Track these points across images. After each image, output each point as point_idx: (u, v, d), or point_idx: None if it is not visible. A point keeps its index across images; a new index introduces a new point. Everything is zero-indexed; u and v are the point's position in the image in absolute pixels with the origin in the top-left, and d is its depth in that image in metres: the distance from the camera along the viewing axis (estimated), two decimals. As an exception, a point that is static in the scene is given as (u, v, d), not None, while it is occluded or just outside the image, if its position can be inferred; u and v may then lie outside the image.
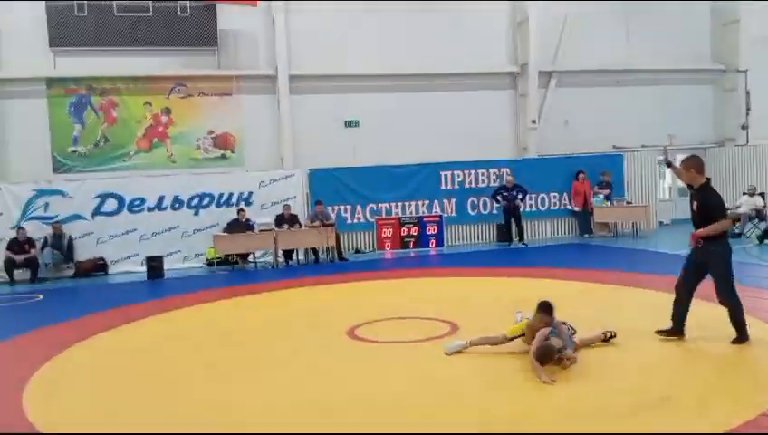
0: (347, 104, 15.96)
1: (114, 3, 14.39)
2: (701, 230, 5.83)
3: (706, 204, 5.88)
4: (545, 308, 5.69)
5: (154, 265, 13.13)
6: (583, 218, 15.85)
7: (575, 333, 5.99)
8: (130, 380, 5.88)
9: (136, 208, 14.03)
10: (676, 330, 6.12)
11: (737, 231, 14.33)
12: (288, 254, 14.13)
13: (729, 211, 14.69)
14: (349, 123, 16.00)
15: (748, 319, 6.01)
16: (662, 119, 17.77)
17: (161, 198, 14.13)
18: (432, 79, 16.48)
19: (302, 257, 14.38)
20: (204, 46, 15.06)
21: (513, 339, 5.92)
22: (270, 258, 14.07)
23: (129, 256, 13.89)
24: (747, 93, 17.97)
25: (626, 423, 4.30)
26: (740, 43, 18.06)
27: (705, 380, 5.13)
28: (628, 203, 16.08)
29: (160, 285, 12.28)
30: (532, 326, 5.69)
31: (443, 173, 15.51)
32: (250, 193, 14.54)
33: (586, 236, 15.71)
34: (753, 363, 5.53)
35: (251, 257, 14.10)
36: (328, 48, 15.71)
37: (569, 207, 16.03)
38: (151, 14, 14.62)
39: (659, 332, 6.17)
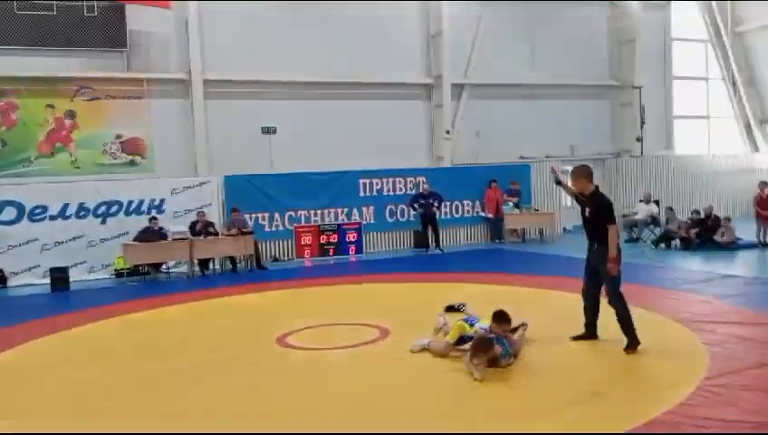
0: (264, 111, 15.76)
1: (15, 1, 13.51)
2: (612, 254, 5.99)
3: (599, 208, 6.14)
4: (498, 318, 5.88)
5: (59, 276, 12.38)
6: (495, 225, 16.48)
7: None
8: (45, 398, 5.54)
9: (37, 217, 13.17)
10: (589, 334, 6.45)
11: (635, 236, 15.41)
12: (204, 263, 13.73)
13: (626, 217, 16.00)
14: (266, 130, 15.78)
15: (657, 317, 6.51)
16: (564, 131, 18.84)
17: (65, 206, 13.34)
18: (349, 87, 16.61)
19: (217, 267, 14.03)
20: (112, 48, 14.42)
21: (457, 344, 6.04)
22: (184, 268, 13.63)
23: (29, 268, 13.01)
24: (642, 108, 19.37)
25: (560, 419, 4.54)
26: (635, 61, 19.46)
27: (620, 378, 5.49)
28: (535, 210, 16.89)
29: (67, 297, 11.59)
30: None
31: (361, 181, 15.64)
32: (162, 200, 14.02)
33: (497, 241, 16.33)
34: (657, 362, 5.87)
35: (164, 267, 13.60)
36: (244, 53, 15.48)
37: (481, 214, 16.60)
38: (55, 12, 13.83)
39: (574, 338, 6.44)
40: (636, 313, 7.13)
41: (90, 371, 6.36)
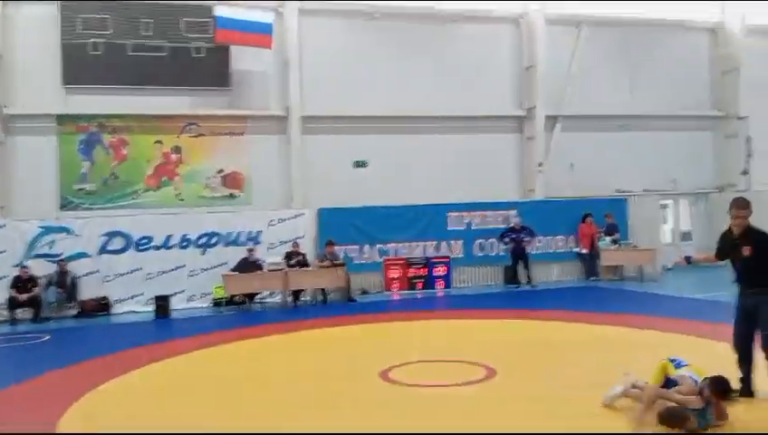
0: (356, 145, 16.05)
1: (128, 42, 14.50)
2: None
3: (763, 245, 5.49)
4: (718, 388, 4.95)
5: (162, 304, 12.92)
6: (589, 261, 15.87)
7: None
8: (165, 424, 5.69)
9: (142, 247, 13.86)
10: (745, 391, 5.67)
11: (745, 275, 14.41)
12: (296, 294, 13.97)
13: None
14: (358, 164, 16.05)
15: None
16: (664, 163, 18.06)
17: (168, 237, 13.99)
18: (440, 121, 16.65)
19: (308, 298, 14.22)
20: (216, 86, 15.15)
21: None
22: (277, 299, 13.90)
23: (133, 296, 13.65)
24: (748, 139, 18.31)
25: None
26: (739, 90, 18.50)
27: None
28: (633, 247, 16.15)
29: (170, 325, 12.05)
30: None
31: (450, 214, 15.54)
32: (258, 232, 14.45)
33: (592, 278, 15.71)
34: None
35: (257, 297, 13.93)
36: (339, 89, 15.87)
37: (575, 249, 16.06)
38: (165, 53, 14.73)
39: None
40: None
41: (196, 398, 6.49)
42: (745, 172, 18.41)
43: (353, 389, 6.53)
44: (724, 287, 13.42)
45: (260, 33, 14.82)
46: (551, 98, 17.23)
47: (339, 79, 15.92)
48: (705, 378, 5.04)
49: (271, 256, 13.98)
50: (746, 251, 5.49)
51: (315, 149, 15.79)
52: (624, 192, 17.45)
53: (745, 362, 5.64)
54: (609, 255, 15.71)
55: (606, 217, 15.98)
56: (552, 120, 17.35)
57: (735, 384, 5.44)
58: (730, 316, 9.02)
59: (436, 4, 16.79)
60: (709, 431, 4.85)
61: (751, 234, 5.56)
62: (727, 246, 5.70)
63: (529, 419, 5.34)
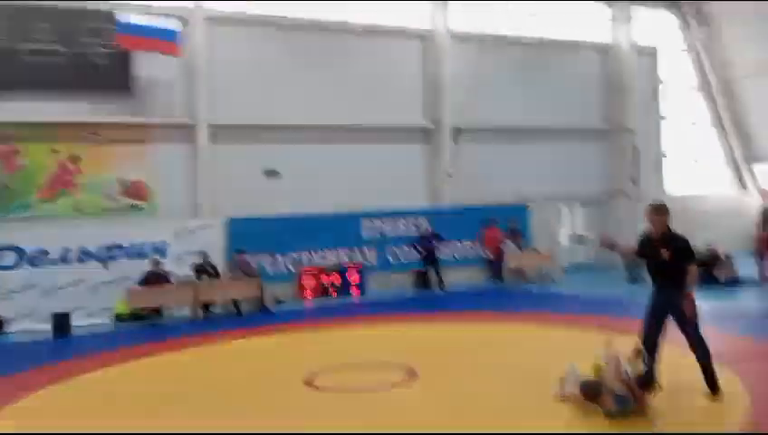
0: (267, 154, 15.84)
1: (23, 47, 13.61)
2: (693, 294, 5.77)
3: (681, 249, 5.78)
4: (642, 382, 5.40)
5: (60, 322, 12.15)
6: (495, 265, 16.54)
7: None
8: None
9: (38, 262, 13.01)
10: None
11: (635, 276, 15.49)
12: (206, 306, 13.57)
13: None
14: (269, 173, 15.86)
15: (679, 352, 6.50)
16: (562, 173, 19.12)
17: (66, 251, 13.21)
18: (352, 131, 16.79)
19: (220, 310, 13.86)
20: (118, 93, 14.49)
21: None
22: (185, 312, 13.46)
23: (29, 314, 12.75)
24: (635, 150, 19.79)
25: None
26: (627, 106, 19.99)
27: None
28: (535, 250, 17.01)
29: (70, 343, 11.35)
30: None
31: (363, 222, 15.70)
32: (164, 244, 13.94)
33: (498, 281, 16.37)
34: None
35: (166, 311, 13.43)
36: (248, 98, 15.62)
37: (482, 254, 16.68)
38: (63, 59, 13.92)
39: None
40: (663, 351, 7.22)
41: (107, 419, 6.19)
42: (633, 181, 19.86)
43: (280, 398, 6.48)
44: (615, 285, 14.51)
45: (165, 40, 14.33)
46: (457, 110, 17.85)
47: (248, 88, 15.69)
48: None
49: (179, 268, 13.52)
50: (665, 254, 5.76)
51: (224, 159, 15.45)
52: (526, 199, 18.33)
53: (651, 354, 5.92)
54: (513, 258, 16.46)
55: (509, 222, 16.74)
56: (458, 131, 17.97)
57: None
58: (625, 311, 9.78)
59: (348, 16, 17.03)
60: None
61: (670, 238, 5.83)
62: (647, 247, 5.98)
63: (455, 417, 5.52)
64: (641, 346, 5.51)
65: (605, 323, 9.38)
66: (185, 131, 15.27)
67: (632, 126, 19.91)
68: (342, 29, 16.92)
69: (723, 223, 19.76)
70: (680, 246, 5.76)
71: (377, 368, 7.48)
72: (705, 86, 22.35)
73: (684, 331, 5.81)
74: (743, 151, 22.37)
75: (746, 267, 13.98)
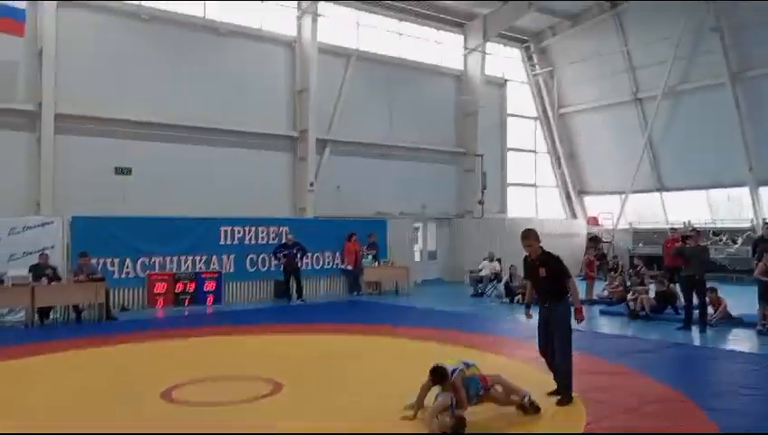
0: (119, 150, 15.01)
1: None
2: (579, 304, 6.41)
3: (556, 266, 6.32)
4: (434, 374, 5.69)
5: None
6: (353, 277, 16.91)
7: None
8: None
9: None
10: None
11: (480, 291, 16.68)
12: (44, 312, 12.45)
13: (472, 273, 17.30)
14: (120, 170, 14.97)
15: (521, 365, 7.18)
16: (417, 190, 20.10)
17: None
18: (213, 134, 16.41)
19: (59, 316, 12.80)
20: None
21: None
22: (20, 316, 12.28)
23: None
24: (483, 174, 21.28)
25: None
26: (477, 131, 21.45)
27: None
28: (391, 264, 17.63)
29: None
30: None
31: (222, 229, 15.30)
32: (-3, 240, 12.63)
33: (355, 293, 16.74)
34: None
35: (-6, 317, 12.16)
36: (101, 89, 14.75)
37: (341, 266, 16.98)
38: None
39: (550, 393, 6.35)
40: (500, 362, 7.90)
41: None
42: (480, 202, 21.33)
43: (135, 412, 6.16)
44: (463, 301, 15.48)
45: (10, 19, 13.11)
46: (322, 122, 18.10)
47: (102, 78, 14.78)
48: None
49: (13, 269, 12.29)
50: (542, 272, 6.38)
51: (70, 151, 14.40)
52: (384, 214, 18.97)
53: (550, 362, 6.52)
54: (371, 271, 16.93)
55: (369, 236, 17.21)
56: (322, 143, 18.23)
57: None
58: (474, 325, 10.50)
59: (212, 14, 16.62)
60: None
61: (545, 258, 6.42)
62: (527, 268, 6.61)
63: (323, 429, 5.63)
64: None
65: (456, 337, 10.04)
66: (27, 119, 14.07)
67: (481, 151, 21.39)
68: (206, 26, 16.50)
69: (555, 246, 21.65)
70: (554, 265, 6.33)
71: (239, 380, 7.38)
72: (543, 119, 24.62)
73: (554, 338, 6.31)
74: (574, 182, 24.88)
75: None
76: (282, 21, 17.93)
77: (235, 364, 8.27)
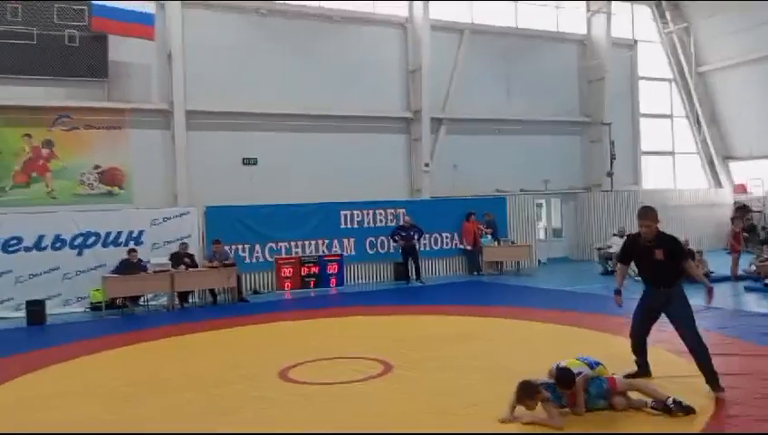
0: (245, 142, 15.81)
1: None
2: (709, 284, 6.03)
3: (674, 249, 5.84)
4: (559, 380, 5.27)
5: (35, 310, 11.99)
6: (473, 257, 16.66)
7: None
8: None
9: (11, 248, 12.79)
10: (642, 372, 6.20)
11: (610, 269, 15.75)
12: (183, 296, 13.49)
13: (601, 250, 16.37)
14: (247, 161, 15.79)
15: (656, 348, 6.64)
16: (538, 165, 19.32)
17: (40, 238, 13.00)
18: (330, 120, 16.78)
19: (197, 299, 13.81)
20: (92, 77, 14.31)
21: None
22: (162, 301, 13.39)
23: (2, 301, 12.58)
24: (612, 143, 20.01)
25: None
26: (604, 99, 20.17)
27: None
28: (512, 243, 17.16)
29: (45, 331, 11.22)
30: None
31: (342, 213, 15.68)
32: (141, 232, 13.79)
33: (475, 273, 16.49)
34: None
35: (141, 300, 13.34)
36: (226, 84, 15.57)
37: (460, 246, 16.79)
38: (36, 42, 13.68)
39: (627, 375, 5.90)
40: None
41: (87, 408, 6.17)
42: (610, 174, 20.10)
43: (253, 390, 6.47)
44: (591, 281, 14.71)
45: (141, 24, 14.19)
46: (436, 101, 17.89)
47: (226, 74, 15.60)
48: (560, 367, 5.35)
49: (155, 257, 13.40)
50: (659, 255, 5.82)
51: (201, 146, 15.37)
52: (503, 192, 18.47)
53: (642, 350, 6.24)
54: (491, 251, 16.58)
55: (485, 215, 16.85)
56: (437, 122, 18.03)
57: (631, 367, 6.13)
58: (602, 306, 9.90)
59: (325, 3, 16.95)
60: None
61: (663, 239, 5.89)
62: (637, 251, 6.03)
63: (426, 412, 5.57)
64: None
65: (580, 319, 9.55)
66: (161, 117, 15.17)
67: (609, 119, 20.11)
68: (321, 15, 16.85)
69: (696, 218, 20.12)
70: (673, 247, 5.85)
71: (352, 361, 7.51)
72: (680, 80, 22.64)
73: (681, 330, 5.84)
74: (717, 147, 22.74)
75: (718, 263, 14.22)
76: (394, 2, 17.89)
77: (351, 345, 8.43)
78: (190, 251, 13.71)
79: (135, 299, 13.16)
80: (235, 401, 6.16)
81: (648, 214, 5.90)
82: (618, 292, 6.27)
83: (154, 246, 13.74)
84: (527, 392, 5.13)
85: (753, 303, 10.90)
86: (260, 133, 16.04)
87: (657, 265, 5.85)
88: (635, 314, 6.24)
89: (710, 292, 5.99)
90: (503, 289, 14.06)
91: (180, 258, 13.40)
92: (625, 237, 15.81)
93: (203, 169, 15.27)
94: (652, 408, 5.18)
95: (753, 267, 13.72)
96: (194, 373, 7.34)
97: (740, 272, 13.71)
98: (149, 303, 13.42)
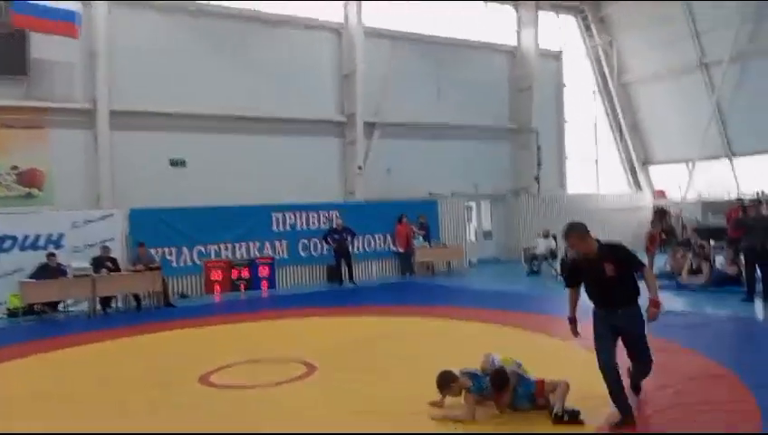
0: (173, 143, 15.48)
1: None
2: (656, 297, 5.03)
3: (624, 260, 5.01)
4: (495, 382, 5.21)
5: (-56, 317, 11.39)
6: (406, 259, 16.86)
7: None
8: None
9: None
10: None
11: (535, 269, 16.28)
12: (105, 301, 13.07)
13: (527, 250, 16.89)
14: (174, 163, 15.45)
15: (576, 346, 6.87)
16: (469, 169, 19.75)
17: (-47, 240, 12.37)
18: (263, 123, 16.64)
19: (120, 305, 13.40)
20: (10, 75, 13.69)
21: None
22: (83, 307, 12.94)
23: None
24: (539, 149, 20.68)
25: None
26: (532, 106, 20.83)
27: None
28: (444, 245, 17.47)
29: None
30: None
31: (274, 215, 15.58)
32: (60, 235, 13.31)
33: (408, 275, 16.70)
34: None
35: (61, 306, 12.85)
36: (154, 84, 15.19)
37: (392, 248, 16.96)
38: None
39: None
40: (553, 344, 7.65)
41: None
42: (537, 178, 20.76)
43: (171, 395, 6.36)
44: (518, 281, 15.15)
45: (64, 22, 13.62)
46: (369, 106, 18.03)
47: (154, 74, 15.22)
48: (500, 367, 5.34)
49: (76, 261, 12.95)
50: (609, 270, 4.94)
51: (127, 146, 14.95)
52: (436, 195, 18.78)
53: (618, 379, 4.95)
54: (423, 252, 16.83)
55: (419, 217, 17.10)
56: (370, 126, 18.17)
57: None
58: (527, 305, 10.13)
59: (258, 4, 16.81)
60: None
61: (609, 251, 5.05)
62: (583, 271, 5.12)
63: (347, 412, 5.62)
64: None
65: (505, 317, 9.82)
66: (85, 117, 14.69)
67: (536, 126, 20.77)
68: (253, 17, 16.70)
69: (618, 221, 21.00)
70: (621, 256, 5.02)
71: (276, 364, 7.49)
72: (603, 90, 23.63)
73: (634, 348, 5.16)
74: (638, 153, 23.84)
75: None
76: (328, 7, 17.92)
77: (277, 348, 8.40)
78: (114, 255, 13.30)
79: (54, 305, 12.68)
80: (146, 406, 6.03)
81: (570, 231, 5.04)
82: (571, 320, 5.36)
83: (75, 250, 13.26)
84: (444, 381, 5.27)
85: (667, 301, 11.46)
86: (190, 135, 15.73)
87: (608, 283, 4.96)
88: (598, 340, 5.05)
89: (656, 304, 5.00)
90: (433, 290, 14.30)
91: (102, 262, 12.97)
92: (550, 238, 16.50)
93: (128, 171, 14.84)
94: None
95: (668, 266, 14.47)
96: (108, 381, 7.13)
97: (656, 271, 14.40)
98: (70, 309, 12.95)
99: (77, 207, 14.00)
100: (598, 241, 5.08)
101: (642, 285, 5.12)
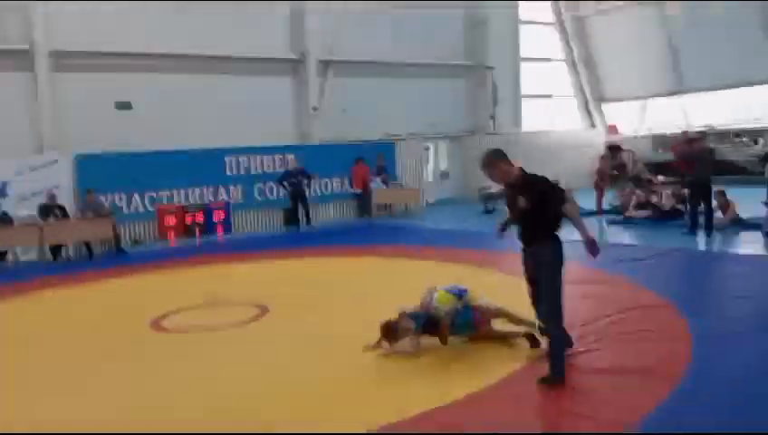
0: (120, 84, 14.84)
1: None
2: (589, 235, 4.64)
3: (541, 192, 4.60)
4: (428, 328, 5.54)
5: None
6: (363, 200, 16.86)
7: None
8: None
9: None
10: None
11: (490, 209, 16.48)
12: (56, 250, 12.80)
13: (482, 190, 17.05)
14: (120, 105, 14.88)
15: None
16: (425, 109, 19.52)
17: None
18: (212, 61, 16.03)
19: (71, 254, 13.14)
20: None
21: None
22: (33, 256, 12.65)
23: None
24: (494, 87, 20.56)
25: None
26: (488, 43, 20.57)
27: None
28: (401, 186, 17.49)
29: None
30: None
31: (227, 159, 15.29)
32: (4, 183, 12.88)
33: (365, 216, 16.74)
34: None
35: (9, 255, 12.55)
36: (97, 22, 14.37)
37: (350, 190, 16.90)
38: None
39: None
40: (495, 279, 7.83)
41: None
42: (492, 117, 20.74)
43: (121, 341, 6.35)
44: (473, 220, 15.36)
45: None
46: (323, 44, 17.53)
47: (97, 11, 14.39)
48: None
49: (22, 210, 12.57)
50: (522, 202, 4.60)
51: (70, 89, 14.28)
52: (393, 135, 18.63)
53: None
54: (380, 194, 16.84)
55: (377, 159, 17.01)
56: (324, 65, 17.72)
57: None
58: (479, 243, 10.32)
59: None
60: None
61: (525, 182, 4.68)
62: (509, 201, 4.85)
63: (294, 353, 5.70)
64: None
65: (457, 255, 9.98)
66: (22, 58, 13.91)
67: (491, 64, 20.58)
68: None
69: (572, 158, 21.22)
70: (539, 189, 4.62)
71: (228, 307, 7.50)
72: (559, 24, 23.45)
73: (538, 293, 4.80)
74: (593, 90, 23.96)
75: (586, 200, 15.18)
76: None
77: (230, 291, 8.38)
78: (62, 203, 12.95)
79: (2, 254, 12.36)
80: (99, 352, 6.01)
81: (485, 161, 4.77)
82: (503, 225, 5.09)
83: (22, 199, 12.87)
84: (389, 331, 5.48)
85: (613, 235, 11.82)
86: (135, 75, 15.09)
87: (523, 217, 4.68)
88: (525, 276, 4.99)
89: (592, 243, 4.64)
90: (390, 230, 14.39)
91: (50, 210, 12.63)
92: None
93: (72, 115, 14.22)
94: (525, 337, 5.38)
95: (618, 201, 14.84)
96: (57, 327, 7.07)
97: (606, 206, 14.76)
98: (19, 259, 12.65)
99: (19, 155, 13.46)
100: (522, 170, 4.73)
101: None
